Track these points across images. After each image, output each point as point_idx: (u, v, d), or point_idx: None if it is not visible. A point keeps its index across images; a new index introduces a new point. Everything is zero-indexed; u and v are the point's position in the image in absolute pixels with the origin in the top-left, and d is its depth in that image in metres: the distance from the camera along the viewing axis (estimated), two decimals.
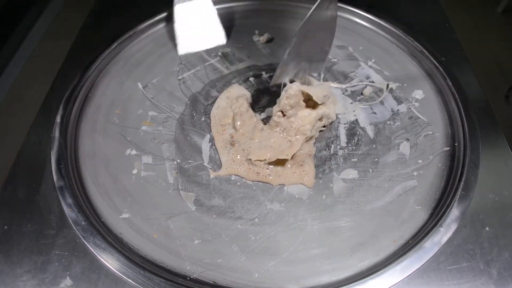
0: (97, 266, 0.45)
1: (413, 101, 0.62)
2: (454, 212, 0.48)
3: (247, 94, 0.60)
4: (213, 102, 0.63)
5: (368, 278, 0.43)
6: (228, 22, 0.75)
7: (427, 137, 0.57)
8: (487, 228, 0.48)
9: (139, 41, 0.72)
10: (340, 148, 0.57)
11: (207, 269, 0.45)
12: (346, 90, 0.64)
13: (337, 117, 0.60)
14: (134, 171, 0.54)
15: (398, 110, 0.61)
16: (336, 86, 0.64)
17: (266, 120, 0.59)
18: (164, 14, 0.75)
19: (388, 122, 0.60)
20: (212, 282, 0.44)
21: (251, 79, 0.66)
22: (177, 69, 0.68)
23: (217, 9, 0.77)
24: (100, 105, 0.62)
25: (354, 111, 0.61)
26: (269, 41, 0.70)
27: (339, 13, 0.76)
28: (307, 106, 0.54)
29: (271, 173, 0.53)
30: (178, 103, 0.63)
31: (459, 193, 0.50)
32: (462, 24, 1.72)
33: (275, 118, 0.54)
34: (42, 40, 0.98)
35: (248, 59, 0.69)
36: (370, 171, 0.54)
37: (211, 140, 0.58)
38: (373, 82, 0.65)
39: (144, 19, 0.73)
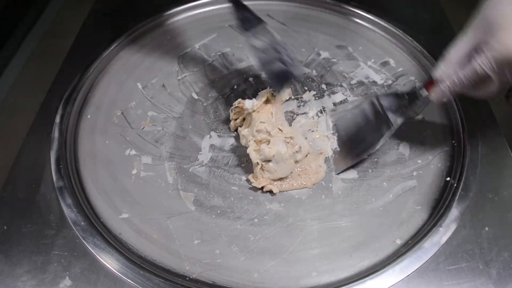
0: (96, 266, 0.45)
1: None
2: (454, 212, 0.48)
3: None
4: (213, 102, 0.63)
5: (368, 278, 0.43)
6: (228, 22, 0.75)
7: (427, 137, 0.57)
8: (486, 228, 0.48)
9: (139, 41, 0.72)
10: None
11: (207, 269, 0.45)
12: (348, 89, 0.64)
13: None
14: (134, 171, 0.54)
15: None
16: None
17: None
18: (164, 14, 0.75)
19: None
20: (211, 282, 0.44)
21: (251, 79, 0.66)
22: (177, 69, 0.68)
23: (217, 9, 0.77)
24: (100, 105, 0.62)
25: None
26: None
27: (339, 13, 0.76)
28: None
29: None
30: (178, 103, 0.63)
31: (458, 193, 0.50)
32: (462, 24, 1.71)
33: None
34: (42, 40, 0.97)
35: (248, 59, 0.69)
36: (370, 171, 0.54)
37: (211, 139, 0.58)
38: (374, 81, 0.65)
39: (144, 19, 0.73)
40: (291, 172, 0.52)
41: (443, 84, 0.45)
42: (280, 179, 0.52)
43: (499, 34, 0.39)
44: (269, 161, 0.51)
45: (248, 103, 0.54)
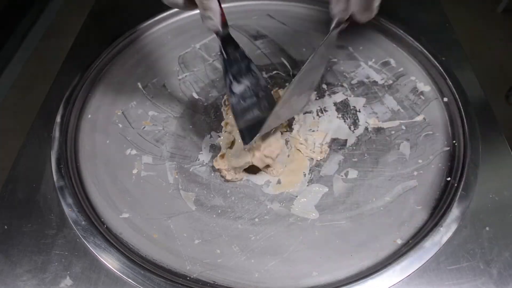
0: (97, 266, 0.45)
1: (413, 101, 0.62)
2: (454, 212, 0.48)
3: None
4: (214, 102, 0.63)
5: (368, 278, 0.43)
6: (228, 22, 0.75)
7: (427, 137, 0.57)
8: (487, 228, 0.48)
9: (139, 41, 0.72)
10: (340, 148, 0.57)
11: (207, 269, 0.45)
12: (351, 89, 0.64)
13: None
14: (134, 171, 0.54)
15: (398, 109, 0.61)
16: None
17: None
18: (164, 14, 0.74)
19: (388, 122, 0.60)
20: (212, 282, 0.44)
21: None
22: (177, 69, 0.68)
23: None
24: (100, 105, 0.62)
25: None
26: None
27: None
28: None
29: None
30: (178, 103, 0.63)
31: (459, 193, 0.49)
32: (462, 24, 1.72)
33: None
34: (42, 40, 0.98)
35: None
36: (370, 171, 0.54)
37: (211, 139, 0.58)
38: (375, 81, 0.65)
39: (144, 19, 0.73)
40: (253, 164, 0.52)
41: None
42: (236, 168, 0.53)
43: None
44: (230, 148, 0.53)
45: None
